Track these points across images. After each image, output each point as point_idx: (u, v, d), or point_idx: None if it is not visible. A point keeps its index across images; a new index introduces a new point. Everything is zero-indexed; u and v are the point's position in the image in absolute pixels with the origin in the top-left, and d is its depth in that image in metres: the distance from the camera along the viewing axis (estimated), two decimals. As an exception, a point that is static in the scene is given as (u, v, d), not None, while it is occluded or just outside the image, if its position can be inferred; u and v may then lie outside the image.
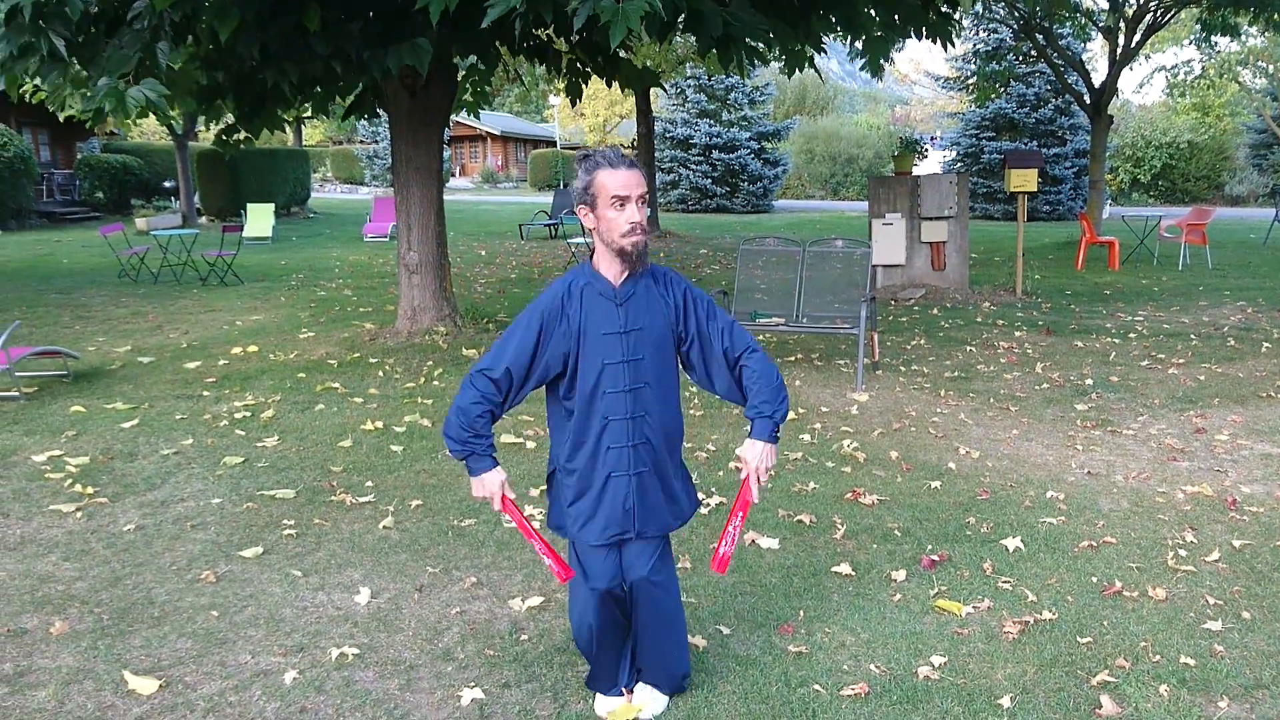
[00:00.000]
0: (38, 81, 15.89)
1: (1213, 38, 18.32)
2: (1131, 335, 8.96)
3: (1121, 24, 17.04)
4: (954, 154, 28.13)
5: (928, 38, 7.58)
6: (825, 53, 8.39)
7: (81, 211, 24.21)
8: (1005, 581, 3.84)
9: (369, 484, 5.06)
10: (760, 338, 8.98)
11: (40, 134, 24.99)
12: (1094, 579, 3.86)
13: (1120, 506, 4.67)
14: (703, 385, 2.83)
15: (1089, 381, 7.16)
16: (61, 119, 19.36)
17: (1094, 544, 4.20)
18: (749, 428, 2.76)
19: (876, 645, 3.36)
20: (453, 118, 10.69)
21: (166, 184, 26.48)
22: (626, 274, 2.64)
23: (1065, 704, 2.99)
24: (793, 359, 8.13)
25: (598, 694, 3.01)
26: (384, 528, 4.47)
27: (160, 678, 3.18)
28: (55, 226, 22.33)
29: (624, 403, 2.65)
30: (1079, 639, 3.38)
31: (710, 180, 29.60)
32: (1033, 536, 4.28)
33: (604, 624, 2.86)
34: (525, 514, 4.54)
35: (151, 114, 6.58)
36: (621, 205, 2.54)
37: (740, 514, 2.83)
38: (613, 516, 2.72)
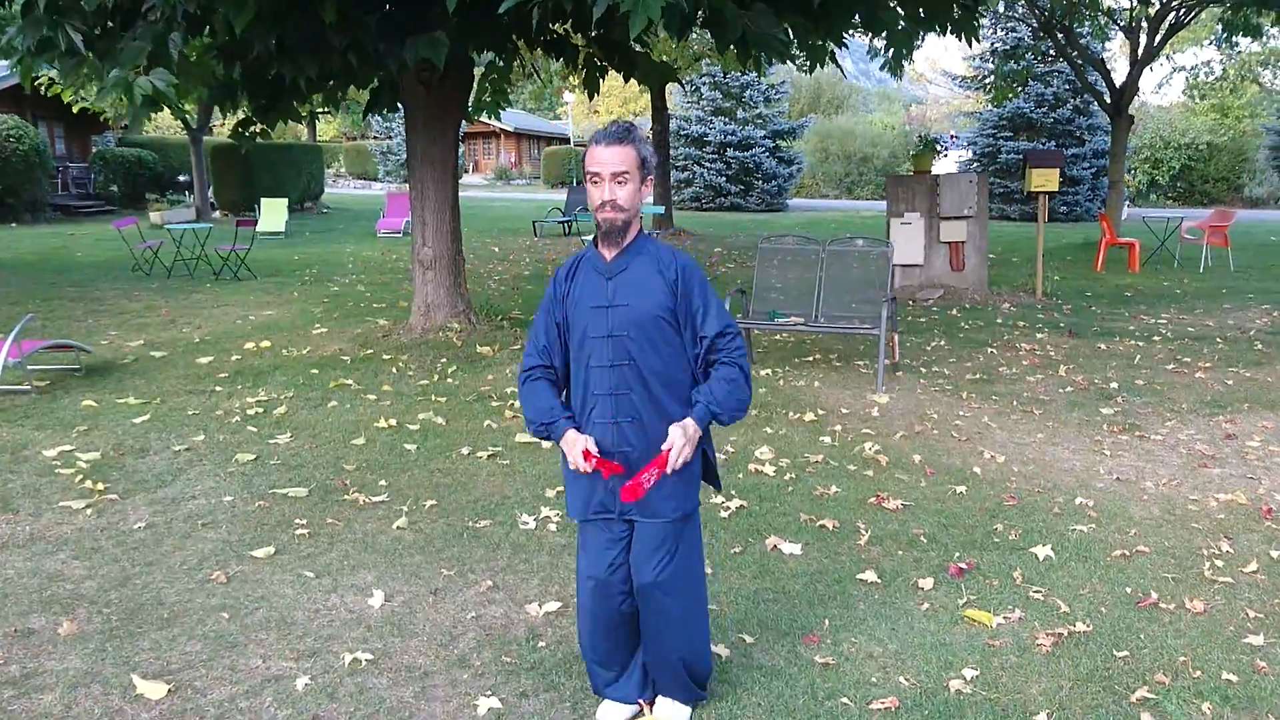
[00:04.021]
0: (54, 74, 15.89)
1: (1234, 38, 18.09)
2: (1155, 338, 8.82)
3: (1143, 23, 16.85)
4: (971, 154, 27.94)
5: (952, 33, 7.45)
6: (846, 48, 8.27)
7: (96, 205, 24.24)
8: (1036, 591, 3.73)
9: (382, 483, 4.98)
10: (778, 338, 8.87)
11: (55, 127, 25.00)
12: (1128, 590, 3.74)
13: (1152, 514, 4.55)
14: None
15: (1114, 385, 7.03)
16: (75, 111, 19.43)
17: (1126, 553, 4.08)
18: (693, 410, 2.64)
19: (905, 656, 3.26)
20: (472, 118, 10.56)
21: (181, 178, 26.51)
22: (615, 250, 2.67)
23: (1104, 721, 2.88)
24: (810, 359, 8.02)
25: (603, 699, 2.91)
26: (398, 528, 4.38)
27: (169, 682, 3.09)
28: (70, 220, 22.35)
29: (607, 378, 2.65)
30: (1115, 653, 3.27)
31: (725, 178, 29.47)
32: (1063, 545, 4.17)
33: (599, 616, 2.78)
34: (542, 515, 4.47)
35: (163, 106, 6.53)
36: (595, 181, 2.58)
37: (655, 470, 2.58)
38: (592, 493, 2.69)
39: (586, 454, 2.59)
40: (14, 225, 20.49)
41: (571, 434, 2.63)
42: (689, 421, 2.61)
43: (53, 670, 3.17)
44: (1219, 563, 3.98)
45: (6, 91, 22.03)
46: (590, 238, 2.74)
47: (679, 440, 2.58)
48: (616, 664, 2.84)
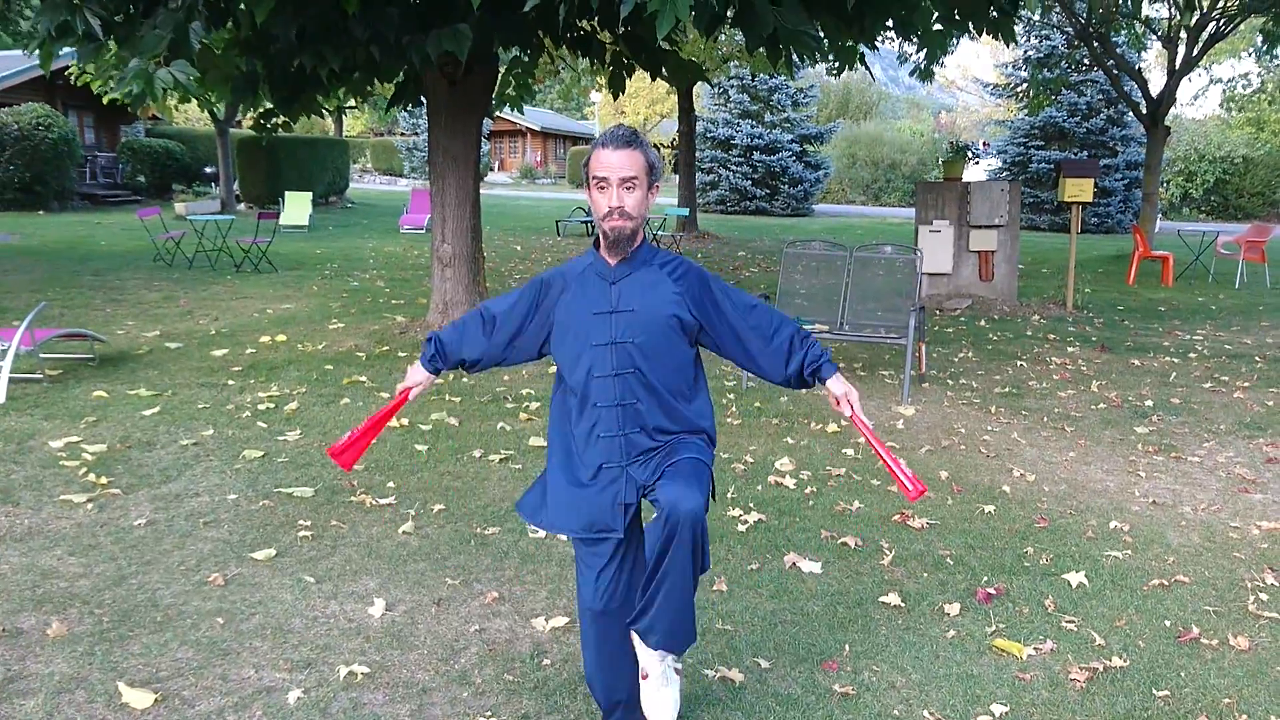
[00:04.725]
0: (78, 65, 15.90)
1: (1274, 50, 17.71)
2: (1191, 355, 8.56)
3: (1183, 33, 16.51)
4: (1000, 162, 27.57)
5: (989, 33, 7.24)
6: (878, 49, 8.08)
7: (123, 195, 24.34)
8: (1069, 621, 3.53)
9: (390, 485, 4.84)
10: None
11: (85, 117, 25.11)
12: (1167, 622, 3.54)
13: (1191, 541, 4.34)
14: (750, 370, 2.65)
15: (1149, 403, 6.80)
16: (105, 101, 19.48)
17: (1165, 582, 3.88)
18: (820, 373, 2.62)
19: (930, 688, 3.08)
20: (494, 111, 10.43)
21: (207, 170, 26.59)
22: (620, 258, 2.51)
23: (1143, 767, 2.69)
24: (834, 368, 7.82)
25: None
26: (403, 533, 4.24)
27: (157, 690, 2.96)
28: (97, 209, 22.45)
29: (611, 388, 2.47)
30: (1154, 691, 3.07)
31: (750, 182, 29.24)
32: (1097, 571, 3.97)
33: (602, 650, 2.60)
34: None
35: (189, 97, 6.45)
36: (602, 187, 2.42)
37: (879, 443, 2.61)
38: (600, 512, 2.50)
39: (406, 394, 2.71)
40: (41, 213, 20.59)
41: (422, 374, 2.68)
42: (835, 379, 2.59)
43: (38, 674, 3.05)
44: (1264, 596, 3.77)
45: (37, 81, 22.17)
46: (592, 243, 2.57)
47: (848, 393, 2.58)
48: (622, 693, 2.68)
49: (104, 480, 4.78)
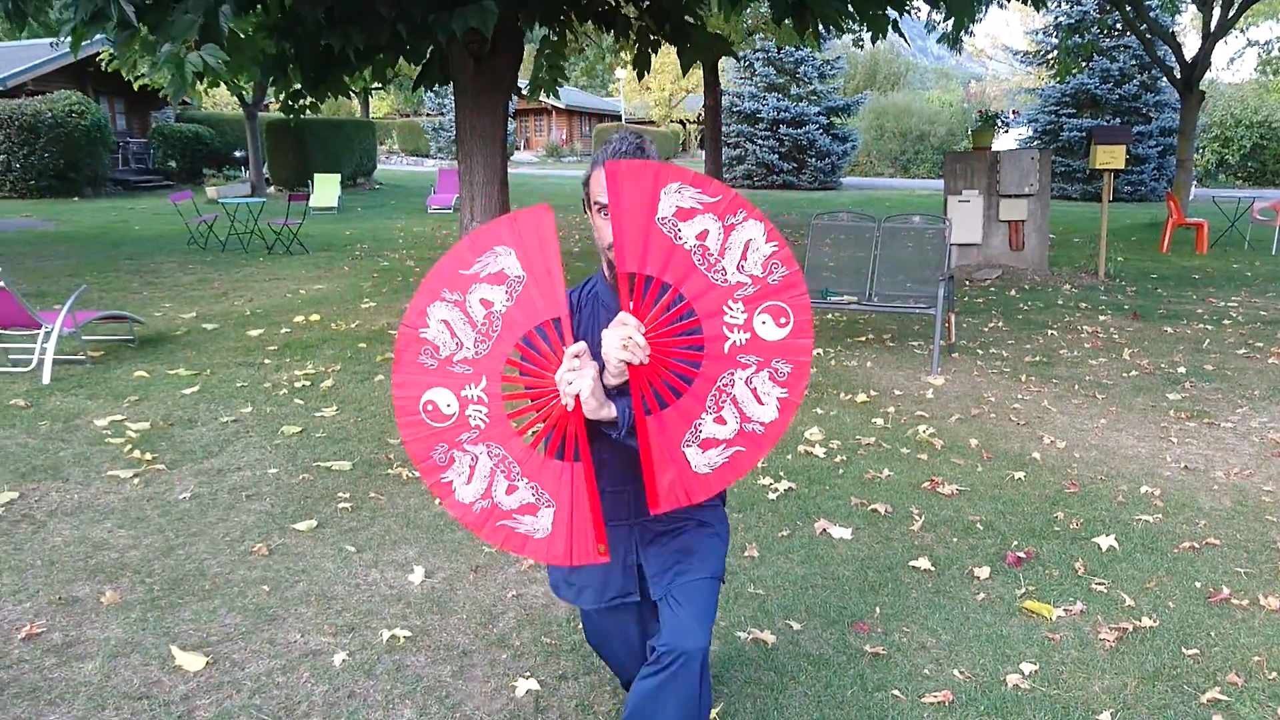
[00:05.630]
0: (112, 50, 16.03)
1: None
2: (1226, 322, 8.47)
3: (1218, -6, 16.19)
4: (1031, 131, 27.21)
5: None
6: (909, 13, 8.01)
7: (155, 180, 24.65)
8: (1099, 583, 3.56)
9: (426, 458, 4.93)
10: (830, 316, 8.69)
11: (116, 103, 25.41)
12: (1197, 584, 3.56)
13: (1222, 505, 4.34)
14: None
15: (1181, 370, 6.76)
16: (136, 88, 19.71)
17: (1195, 545, 3.89)
18: None
19: (960, 648, 3.12)
20: (521, 89, 10.42)
21: (236, 154, 26.84)
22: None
23: (1172, 723, 2.73)
24: (863, 339, 7.84)
25: None
26: (440, 504, 4.33)
27: (208, 654, 3.07)
28: (129, 194, 22.76)
29: None
30: (1184, 650, 3.10)
31: (777, 156, 29.06)
32: (1127, 535, 3.99)
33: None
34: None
35: (218, 82, 6.53)
36: (605, 215, 2.05)
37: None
38: (611, 576, 2.29)
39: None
40: (76, 199, 20.91)
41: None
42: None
43: (94, 639, 3.17)
44: (1296, 557, 3.78)
45: (68, 68, 22.45)
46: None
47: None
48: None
49: (148, 456, 4.91)
